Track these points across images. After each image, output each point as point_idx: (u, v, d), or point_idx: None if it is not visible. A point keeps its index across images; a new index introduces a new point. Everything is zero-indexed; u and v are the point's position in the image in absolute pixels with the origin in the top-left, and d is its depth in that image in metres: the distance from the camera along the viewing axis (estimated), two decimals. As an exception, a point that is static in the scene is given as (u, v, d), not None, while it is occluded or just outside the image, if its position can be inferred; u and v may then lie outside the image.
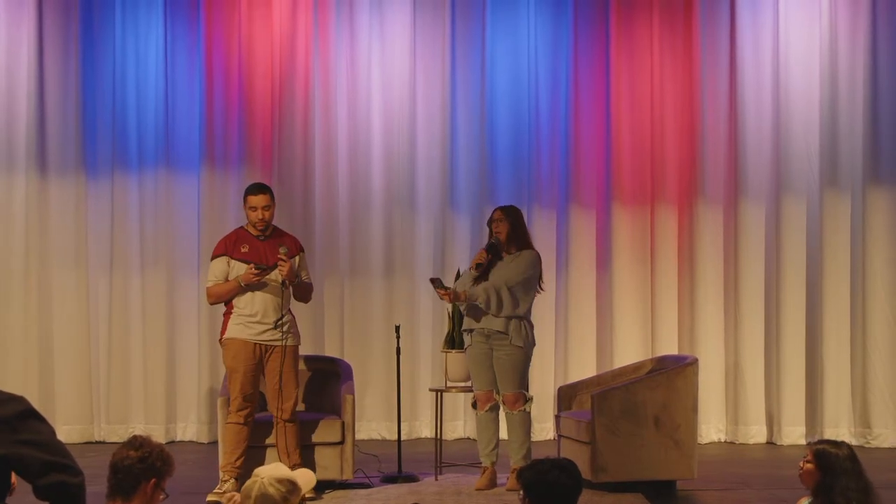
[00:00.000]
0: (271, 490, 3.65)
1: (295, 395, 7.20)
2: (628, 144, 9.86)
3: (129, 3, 9.74)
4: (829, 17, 9.68)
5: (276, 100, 9.79)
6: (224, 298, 7.24)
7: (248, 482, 3.76)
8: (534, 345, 7.45)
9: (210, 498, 7.00)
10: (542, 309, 9.44)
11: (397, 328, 8.00)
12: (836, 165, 9.71)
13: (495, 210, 7.62)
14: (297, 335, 7.31)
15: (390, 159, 9.88)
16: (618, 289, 9.81)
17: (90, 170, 9.68)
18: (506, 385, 7.35)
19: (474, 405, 7.52)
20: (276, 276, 7.14)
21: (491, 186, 9.80)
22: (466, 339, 7.47)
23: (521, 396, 7.37)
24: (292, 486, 3.71)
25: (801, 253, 9.69)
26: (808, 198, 9.72)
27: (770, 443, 9.68)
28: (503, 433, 7.56)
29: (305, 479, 3.86)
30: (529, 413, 7.44)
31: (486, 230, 7.70)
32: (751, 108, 9.76)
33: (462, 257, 9.51)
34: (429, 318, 9.80)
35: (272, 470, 3.77)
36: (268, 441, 7.31)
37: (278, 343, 7.14)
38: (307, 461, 7.26)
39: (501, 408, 7.44)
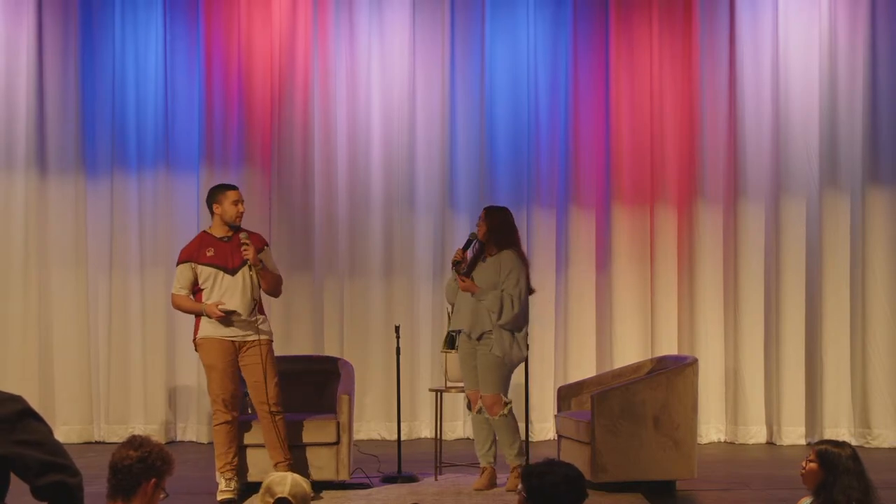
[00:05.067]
0: (304, 485, 3.94)
1: (277, 387, 7.17)
2: (628, 144, 9.85)
3: (128, 3, 9.74)
4: (828, 18, 9.67)
5: (276, 100, 9.78)
6: (187, 312, 7.33)
7: (278, 476, 3.96)
8: (522, 358, 7.38)
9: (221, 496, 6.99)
10: (542, 309, 9.45)
11: (397, 328, 8.00)
12: (836, 165, 9.70)
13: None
14: (269, 330, 7.29)
15: (390, 159, 9.87)
16: (617, 289, 9.81)
17: (90, 170, 9.68)
18: (483, 385, 7.30)
19: (468, 405, 7.52)
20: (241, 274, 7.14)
21: (490, 186, 9.79)
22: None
23: (499, 400, 7.30)
24: (311, 486, 4.07)
25: (800, 253, 9.68)
26: (807, 198, 9.71)
27: (770, 443, 9.67)
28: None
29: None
30: (509, 415, 7.34)
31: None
32: (750, 108, 9.75)
33: (462, 257, 9.51)
34: (428, 318, 9.80)
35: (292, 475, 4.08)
36: (249, 441, 7.27)
37: (253, 338, 7.11)
38: (301, 461, 7.25)
39: (483, 412, 7.37)
